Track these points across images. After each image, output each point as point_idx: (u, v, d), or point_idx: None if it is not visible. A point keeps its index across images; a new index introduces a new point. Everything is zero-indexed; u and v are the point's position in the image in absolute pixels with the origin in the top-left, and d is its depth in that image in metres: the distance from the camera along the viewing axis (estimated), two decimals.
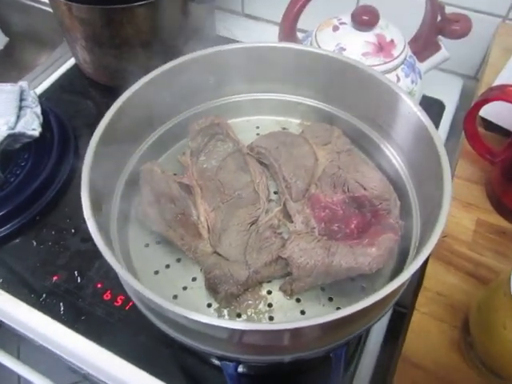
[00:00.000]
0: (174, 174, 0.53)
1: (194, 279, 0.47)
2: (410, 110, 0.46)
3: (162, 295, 0.44)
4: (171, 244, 0.47)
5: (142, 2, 0.69)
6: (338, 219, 0.48)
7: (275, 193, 0.53)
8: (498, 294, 0.35)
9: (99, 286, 0.60)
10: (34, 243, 0.64)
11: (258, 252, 0.46)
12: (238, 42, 0.88)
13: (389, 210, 0.48)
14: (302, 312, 0.44)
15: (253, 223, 0.48)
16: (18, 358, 0.94)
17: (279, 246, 0.46)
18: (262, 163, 0.53)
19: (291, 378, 0.53)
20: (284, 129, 0.59)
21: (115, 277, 0.57)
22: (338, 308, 0.45)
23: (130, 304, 0.59)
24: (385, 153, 0.52)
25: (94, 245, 0.37)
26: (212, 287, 0.45)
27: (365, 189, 0.49)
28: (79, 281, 0.60)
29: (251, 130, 0.59)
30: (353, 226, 0.48)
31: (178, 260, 0.48)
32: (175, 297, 0.45)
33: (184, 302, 0.45)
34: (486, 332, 0.36)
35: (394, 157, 0.51)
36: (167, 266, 0.48)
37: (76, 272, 0.61)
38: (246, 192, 0.50)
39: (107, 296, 0.59)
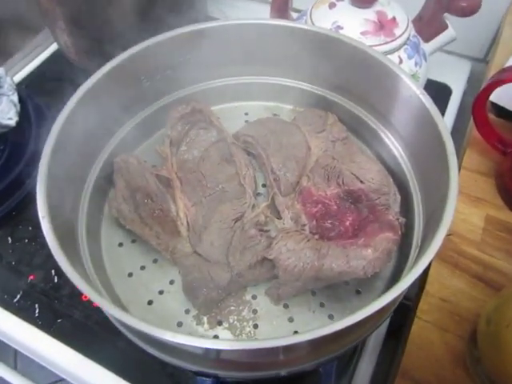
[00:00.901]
0: (153, 166, 0.49)
1: (171, 282, 0.42)
2: (412, 93, 0.40)
3: (135, 300, 0.41)
4: (147, 243, 0.43)
5: None
6: (331, 215, 0.44)
7: (263, 186, 0.49)
8: (510, 305, 0.30)
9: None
10: (10, 240, 0.60)
11: (241, 252, 0.41)
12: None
13: (388, 205, 0.43)
14: (290, 319, 0.40)
15: (237, 220, 0.44)
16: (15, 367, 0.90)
17: (265, 245, 0.41)
18: (249, 153, 0.49)
19: None
20: (275, 115, 0.54)
21: None
22: (330, 315, 0.40)
23: None
24: (384, 141, 0.47)
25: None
26: (190, 291, 0.40)
27: (361, 181, 0.44)
28: (56, 281, 0.56)
29: (239, 116, 0.54)
30: (348, 223, 0.43)
31: (155, 261, 0.44)
32: (150, 302, 0.41)
33: (159, 307, 0.41)
34: (496, 347, 0.31)
35: (394, 146, 0.46)
36: (142, 268, 0.43)
37: (53, 271, 0.57)
38: (230, 185, 0.46)
39: (85, 297, 0.55)
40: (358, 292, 0.41)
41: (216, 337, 0.39)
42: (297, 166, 0.46)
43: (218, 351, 0.29)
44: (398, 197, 0.43)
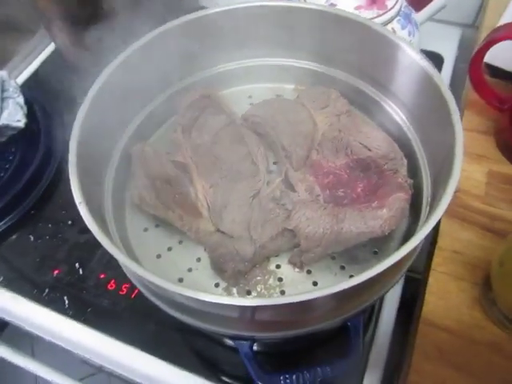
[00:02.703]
0: (167, 153, 0.51)
1: (198, 260, 0.45)
2: (411, 59, 0.42)
3: (166, 279, 0.43)
4: (171, 226, 0.45)
5: None
6: (342, 184, 0.46)
7: (274, 163, 0.51)
8: None
9: (102, 276, 0.58)
10: (32, 238, 0.62)
11: (262, 226, 0.44)
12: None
13: (395, 169, 0.45)
14: (314, 283, 0.42)
15: (254, 196, 0.46)
16: (33, 355, 0.93)
17: (284, 217, 0.44)
18: (258, 134, 0.51)
19: (309, 352, 0.51)
20: (278, 96, 0.56)
21: (118, 266, 0.54)
22: (351, 276, 0.43)
23: (136, 292, 0.57)
24: (386, 110, 0.49)
25: (90, 237, 0.35)
26: (218, 266, 0.42)
27: (369, 149, 0.46)
28: (81, 273, 0.59)
29: (243, 100, 0.56)
30: (359, 189, 0.45)
31: (180, 242, 0.46)
32: (180, 280, 0.43)
33: (190, 283, 0.43)
34: (509, 285, 0.34)
35: (397, 114, 0.48)
36: (169, 249, 0.45)
37: (77, 264, 0.59)
38: (244, 165, 0.48)
39: (111, 286, 0.58)
40: (375, 253, 0.44)
41: None
42: (305, 141, 0.48)
43: (255, 308, 0.31)
44: (405, 161, 0.46)
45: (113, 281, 0.58)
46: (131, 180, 0.48)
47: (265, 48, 0.54)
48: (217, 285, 0.43)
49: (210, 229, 0.45)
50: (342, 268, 0.43)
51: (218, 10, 0.50)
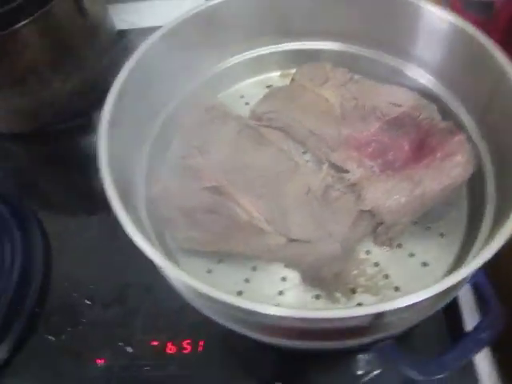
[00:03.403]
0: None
1: (283, 279, 0.40)
2: (437, 17, 0.41)
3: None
4: (237, 258, 0.40)
5: (26, 21, 0.56)
6: (388, 148, 0.44)
7: (304, 153, 0.47)
8: None
9: (155, 343, 0.51)
10: (52, 338, 0.52)
11: (334, 218, 0.40)
12: (141, 29, 0.78)
13: (430, 117, 0.44)
14: (411, 255, 0.40)
15: (308, 192, 0.42)
16: None
17: (353, 200, 0.41)
18: (277, 129, 0.47)
19: None
20: (269, 86, 0.52)
21: (167, 324, 0.49)
22: (442, 234, 0.41)
23: (201, 343, 0.51)
24: (409, 77, 0.47)
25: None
26: (313, 277, 0.39)
27: (399, 105, 0.45)
28: (131, 350, 0.51)
29: (237, 101, 0.51)
30: (406, 148, 0.44)
31: (254, 268, 0.41)
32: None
33: (288, 302, 0.38)
34: None
35: (423, 76, 0.47)
36: (247, 281, 0.40)
37: (121, 343, 0.51)
38: (280, 164, 0.44)
39: (170, 349, 0.50)
40: (449, 204, 0.42)
41: (360, 304, 0.38)
42: (330, 119, 0.46)
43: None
44: (433, 105, 0.45)
45: (170, 343, 0.51)
46: (167, 228, 0.42)
47: (237, 44, 0.50)
48: (317, 297, 0.39)
49: (281, 241, 0.40)
50: (428, 229, 0.41)
51: (188, 15, 0.45)
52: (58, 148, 0.68)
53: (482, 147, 0.42)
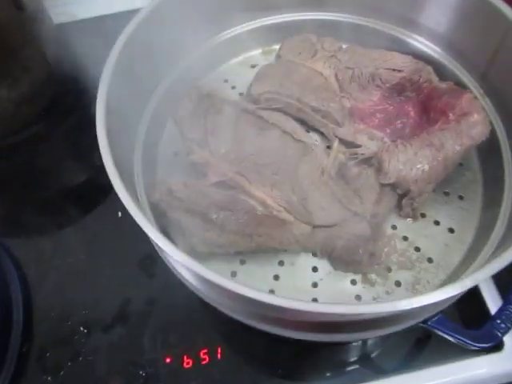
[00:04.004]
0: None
1: (314, 269, 0.37)
2: None
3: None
4: (260, 255, 0.37)
5: None
6: (394, 115, 0.42)
7: (307, 131, 0.44)
8: None
9: (169, 360, 0.47)
10: (48, 378, 0.46)
11: (357, 196, 0.38)
12: (82, 20, 0.71)
13: (429, 79, 0.43)
14: (436, 222, 0.39)
15: (323, 173, 0.40)
16: None
17: (374, 175, 0.39)
18: (277, 110, 0.43)
19: None
20: (254, 66, 0.49)
21: (179, 337, 0.45)
22: (461, 197, 0.40)
23: (219, 350, 0.47)
24: (413, 45, 0.46)
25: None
26: (348, 262, 0.36)
27: (399, 71, 0.43)
28: (144, 373, 0.46)
29: (222, 86, 0.47)
30: (412, 113, 0.42)
31: (281, 263, 0.38)
32: (315, 301, 0.36)
33: (325, 297, 0.36)
34: None
35: (426, 45, 0.45)
36: (276, 278, 0.37)
37: (130, 367, 0.46)
38: (287, 147, 0.41)
39: (188, 363, 0.46)
40: (461, 164, 0.42)
41: (398, 282, 0.36)
42: (331, 94, 0.43)
43: None
44: (429, 67, 0.44)
45: (185, 356, 0.47)
46: (177, 233, 0.37)
47: (215, 23, 0.46)
48: (354, 282, 0.37)
49: (307, 230, 0.37)
50: (447, 194, 0.40)
51: None
52: (11, 164, 0.60)
53: (486, 104, 0.41)
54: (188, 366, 0.46)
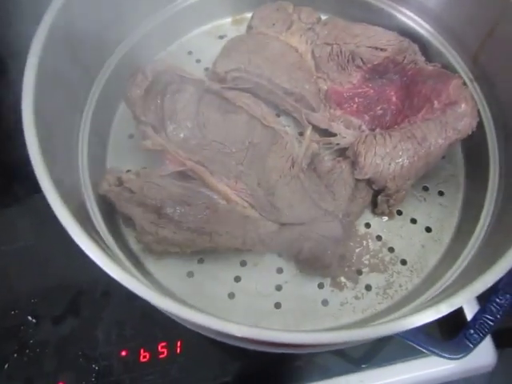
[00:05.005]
0: (144, 168, 0.37)
1: (279, 271, 0.34)
2: None
3: (255, 314, 0.33)
4: (220, 254, 0.33)
5: None
6: (374, 101, 0.38)
7: (278, 115, 0.40)
8: None
9: (124, 353, 0.44)
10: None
11: (330, 192, 0.35)
12: None
13: (414, 60, 0.39)
14: (413, 221, 0.36)
15: (293, 164, 0.36)
16: None
17: (349, 169, 0.35)
18: (245, 90, 0.39)
19: None
20: (222, 37, 0.43)
21: (135, 331, 0.43)
22: (441, 192, 0.37)
23: (179, 344, 0.44)
24: (400, 19, 0.41)
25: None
26: (315, 265, 0.33)
27: (382, 49, 0.38)
28: (97, 367, 0.43)
29: (186, 59, 0.42)
30: (394, 98, 0.38)
31: (243, 263, 0.35)
32: (277, 305, 0.33)
33: (289, 302, 0.33)
34: None
35: (415, 21, 0.41)
36: (237, 279, 0.34)
37: (81, 359, 0.43)
38: (256, 134, 0.37)
39: (144, 356, 0.44)
40: (443, 157, 0.38)
41: (369, 286, 0.34)
42: (305, 74, 0.39)
43: None
44: (415, 45, 0.39)
45: (142, 350, 0.44)
46: (129, 228, 0.34)
47: None
48: (321, 285, 0.34)
49: (273, 228, 0.34)
50: (426, 189, 0.37)
51: None
52: None
53: (475, 91, 0.37)
54: (145, 359, 0.44)
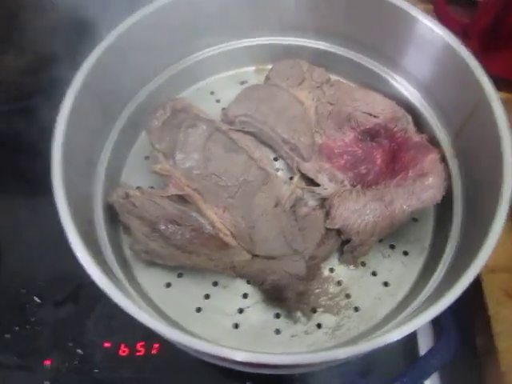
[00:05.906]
0: (151, 187, 0.43)
1: (244, 296, 0.39)
2: (433, 33, 0.39)
3: (216, 330, 0.37)
4: (198, 272, 0.38)
5: None
6: (361, 160, 0.43)
7: (275, 159, 0.45)
8: None
9: (107, 345, 0.49)
10: None
11: (303, 235, 0.39)
12: None
13: (404, 128, 0.43)
14: (374, 273, 0.40)
15: (277, 205, 0.40)
16: None
17: (322, 217, 0.39)
18: (249, 134, 0.44)
19: None
20: (243, 83, 0.49)
21: (121, 326, 0.47)
22: (405, 252, 0.41)
23: (156, 346, 0.49)
24: (393, 85, 0.46)
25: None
26: (276, 296, 0.37)
27: (375, 116, 0.43)
28: (81, 351, 0.49)
29: (208, 98, 0.48)
30: (379, 161, 0.43)
31: (215, 284, 0.39)
32: (236, 326, 0.37)
33: (247, 325, 0.37)
34: None
35: (407, 88, 0.45)
36: (207, 297, 0.39)
37: (70, 343, 0.49)
38: (250, 174, 0.42)
39: (124, 351, 0.49)
40: (415, 220, 0.42)
41: (319, 324, 0.37)
42: (304, 127, 0.44)
43: None
44: (409, 117, 0.43)
45: (123, 345, 0.49)
46: (126, 235, 0.39)
47: (212, 36, 0.47)
48: (277, 315, 0.38)
49: (246, 257, 0.39)
50: (392, 247, 0.41)
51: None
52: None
53: (454, 165, 0.41)
54: (123, 354, 0.49)
